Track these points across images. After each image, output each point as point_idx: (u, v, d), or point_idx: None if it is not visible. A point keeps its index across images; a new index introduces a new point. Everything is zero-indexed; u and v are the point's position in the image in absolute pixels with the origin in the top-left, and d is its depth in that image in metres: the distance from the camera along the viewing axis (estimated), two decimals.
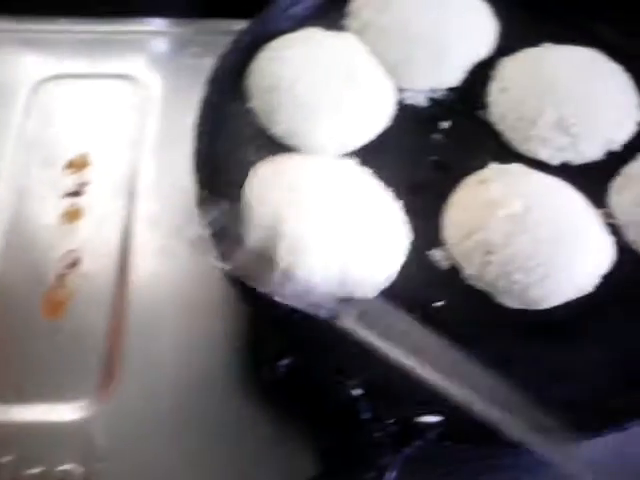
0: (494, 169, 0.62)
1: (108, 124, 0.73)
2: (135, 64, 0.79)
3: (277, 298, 0.52)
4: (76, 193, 0.68)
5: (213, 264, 0.52)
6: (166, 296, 0.63)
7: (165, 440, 0.56)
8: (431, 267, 0.59)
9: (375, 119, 0.64)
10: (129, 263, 0.64)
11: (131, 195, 0.68)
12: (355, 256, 0.55)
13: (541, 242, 0.56)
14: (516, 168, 0.63)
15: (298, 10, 0.70)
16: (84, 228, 0.66)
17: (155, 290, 0.63)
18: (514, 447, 0.53)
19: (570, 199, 0.61)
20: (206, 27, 0.84)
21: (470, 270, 0.58)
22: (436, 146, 0.65)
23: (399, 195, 0.61)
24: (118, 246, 0.65)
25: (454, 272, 0.59)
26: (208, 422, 0.57)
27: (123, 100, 0.75)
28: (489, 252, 0.57)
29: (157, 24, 0.85)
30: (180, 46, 0.82)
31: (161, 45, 0.83)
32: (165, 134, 0.71)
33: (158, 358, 0.60)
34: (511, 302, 0.57)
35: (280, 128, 0.62)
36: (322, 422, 0.52)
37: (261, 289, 0.52)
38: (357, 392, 0.50)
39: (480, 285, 0.58)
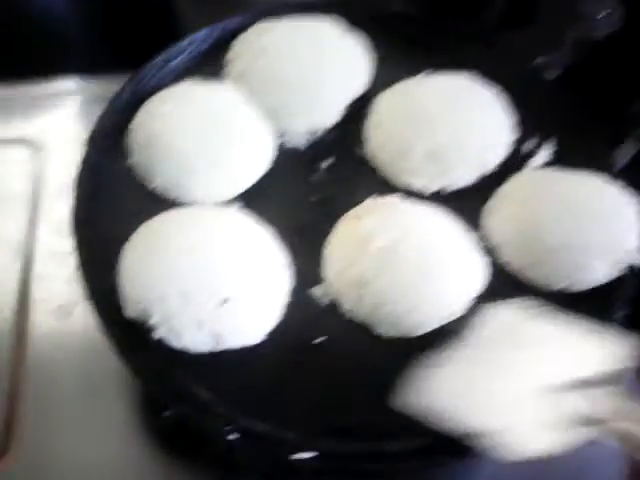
0: (369, 204, 0.65)
1: (3, 188, 0.74)
2: (33, 127, 0.80)
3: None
4: None
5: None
6: (64, 358, 0.64)
7: None
8: (313, 305, 0.61)
9: (254, 165, 0.67)
10: (26, 326, 0.65)
11: (28, 257, 0.69)
12: (235, 305, 0.56)
13: (409, 272, 0.59)
14: (390, 200, 0.65)
15: (176, 64, 0.72)
16: None
17: (53, 352, 0.64)
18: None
19: (441, 225, 0.63)
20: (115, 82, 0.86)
21: (348, 305, 0.60)
22: (318, 186, 0.68)
23: (283, 237, 0.63)
24: (15, 309, 0.66)
25: (334, 308, 0.61)
26: (110, 476, 0.59)
27: (19, 164, 0.76)
28: (362, 286, 0.59)
29: (60, 84, 0.87)
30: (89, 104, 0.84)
31: (66, 104, 0.85)
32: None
33: (56, 419, 0.61)
34: (388, 331, 0.60)
35: (159, 182, 0.64)
36: (208, 465, 0.54)
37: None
38: (233, 436, 0.52)
39: (358, 318, 0.60)
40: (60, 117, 0.82)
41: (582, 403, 0.47)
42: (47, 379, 0.63)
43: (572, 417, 0.47)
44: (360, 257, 0.60)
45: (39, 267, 0.69)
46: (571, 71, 0.86)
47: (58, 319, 0.66)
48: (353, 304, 0.60)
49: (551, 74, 0.80)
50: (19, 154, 0.77)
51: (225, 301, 0.56)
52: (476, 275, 0.62)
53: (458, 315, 0.60)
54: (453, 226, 0.64)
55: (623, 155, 0.85)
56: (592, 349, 0.50)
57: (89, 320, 0.63)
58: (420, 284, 0.59)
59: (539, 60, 0.83)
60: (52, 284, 0.68)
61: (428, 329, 0.60)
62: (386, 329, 0.60)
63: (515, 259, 0.64)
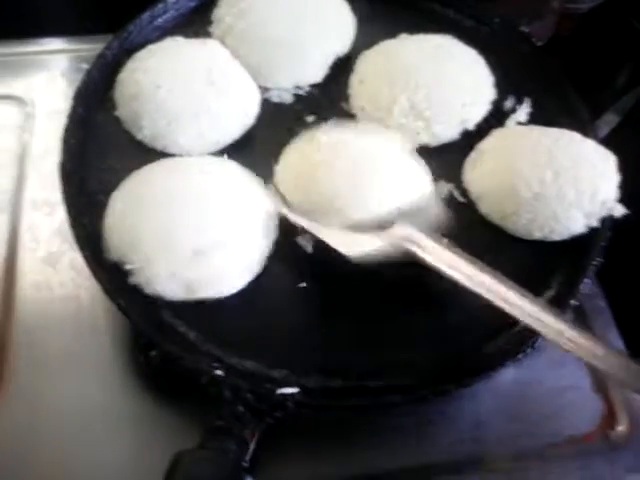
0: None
1: None
2: (21, 84, 0.81)
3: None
4: None
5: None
6: (52, 305, 0.66)
7: (57, 439, 0.60)
8: (298, 251, 0.63)
9: (240, 118, 0.68)
10: (15, 275, 0.67)
11: (16, 209, 0.71)
12: (209, 257, 0.57)
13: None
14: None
15: (163, 21, 0.73)
16: None
17: (42, 299, 0.66)
18: (375, 411, 0.59)
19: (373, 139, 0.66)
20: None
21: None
22: None
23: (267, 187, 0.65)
24: (4, 259, 0.67)
25: (318, 255, 0.63)
26: (98, 416, 0.61)
27: (6, 119, 0.77)
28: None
29: (48, 44, 0.88)
30: (77, 62, 0.85)
31: (54, 64, 0.86)
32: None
33: (46, 362, 0.63)
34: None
35: (146, 133, 0.65)
36: (194, 403, 0.56)
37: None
38: (219, 373, 0.54)
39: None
40: (48, 75, 0.83)
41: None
42: (36, 325, 0.64)
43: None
44: (307, 171, 0.63)
45: (28, 218, 0.70)
46: (555, 42, 0.88)
47: (46, 267, 0.67)
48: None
49: (535, 42, 0.82)
50: (8, 110, 0.78)
51: (200, 252, 0.57)
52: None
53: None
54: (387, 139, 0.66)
55: (605, 125, 0.87)
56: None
57: (78, 268, 0.65)
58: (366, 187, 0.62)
59: (522, 28, 0.85)
60: (40, 234, 0.69)
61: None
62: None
63: (494, 210, 0.66)
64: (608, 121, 0.89)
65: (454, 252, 0.57)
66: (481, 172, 0.67)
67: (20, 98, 0.79)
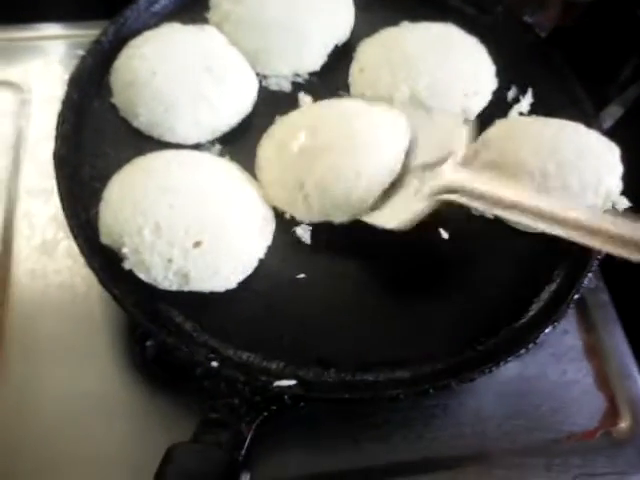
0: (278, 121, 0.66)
1: None
2: (18, 70, 0.80)
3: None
4: None
5: None
6: (48, 293, 0.65)
7: (51, 427, 0.59)
8: (296, 243, 0.62)
9: (237, 106, 0.67)
10: (11, 262, 0.66)
11: (12, 197, 0.69)
12: (206, 250, 0.56)
13: (335, 155, 0.60)
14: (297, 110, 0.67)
15: (160, 7, 0.72)
16: None
17: (37, 287, 0.65)
18: (377, 404, 0.58)
19: (346, 107, 0.65)
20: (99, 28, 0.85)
21: (300, 210, 0.61)
22: None
23: None
24: (0, 246, 0.66)
25: (316, 246, 0.62)
26: (92, 405, 0.60)
27: (2, 106, 0.76)
28: (301, 187, 0.60)
29: (45, 29, 0.86)
30: (74, 48, 0.83)
31: (50, 49, 0.84)
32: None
33: (41, 350, 0.62)
34: (343, 216, 0.61)
35: (142, 120, 0.64)
36: (191, 393, 0.55)
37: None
38: (214, 364, 0.53)
39: (315, 218, 0.62)
40: (45, 61, 0.81)
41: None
42: (32, 312, 0.63)
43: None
44: (286, 163, 0.61)
45: (24, 205, 0.69)
46: (558, 33, 0.87)
47: (42, 255, 0.66)
48: (304, 207, 0.61)
49: (538, 32, 0.81)
50: (3, 96, 0.76)
51: (198, 244, 0.56)
52: (397, 133, 0.63)
53: (397, 172, 0.61)
54: (355, 104, 0.65)
55: (609, 117, 0.86)
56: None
57: (74, 256, 0.64)
58: (350, 160, 0.60)
59: (526, 18, 0.83)
60: (36, 221, 0.68)
61: (374, 196, 0.60)
62: (341, 215, 0.61)
63: None
64: (612, 113, 0.88)
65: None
66: (483, 163, 0.66)
67: (16, 84, 0.78)
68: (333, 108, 0.65)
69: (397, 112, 0.64)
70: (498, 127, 0.68)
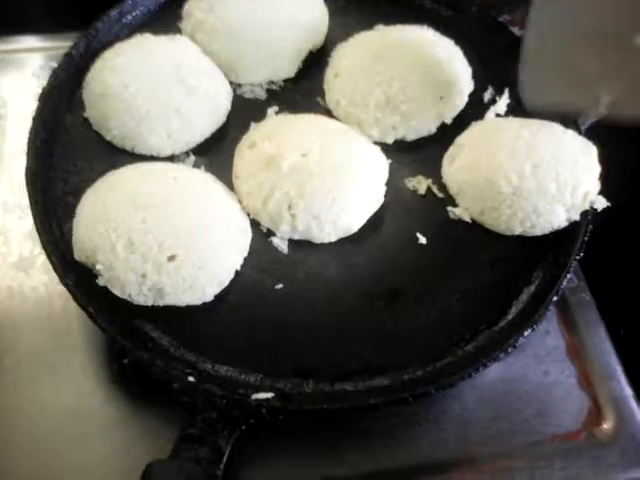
0: (257, 130, 0.66)
1: None
2: None
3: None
4: None
5: None
6: (25, 309, 0.64)
7: (29, 445, 0.59)
8: (273, 253, 0.62)
9: (210, 116, 0.66)
10: None
11: None
12: (180, 264, 0.56)
13: (326, 177, 0.61)
14: (275, 120, 0.67)
15: (131, 18, 0.72)
16: None
17: (14, 304, 0.64)
18: (358, 413, 0.57)
19: (334, 129, 0.66)
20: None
21: (284, 227, 0.61)
22: None
23: None
24: None
25: (293, 255, 0.62)
26: (70, 422, 0.60)
27: None
28: (292, 206, 0.60)
29: (21, 42, 0.86)
30: (50, 60, 0.83)
31: (27, 62, 0.84)
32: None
33: (19, 367, 0.62)
34: (329, 238, 0.62)
35: (115, 133, 0.64)
36: (170, 408, 0.55)
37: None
38: (191, 379, 0.53)
39: (296, 236, 0.62)
40: (20, 74, 0.81)
41: None
42: (9, 330, 0.63)
43: None
44: (276, 181, 0.61)
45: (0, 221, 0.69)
46: None
47: (19, 272, 0.66)
48: (289, 225, 0.61)
49: (515, 31, 0.80)
50: None
51: (172, 258, 0.56)
52: (380, 162, 0.65)
53: (380, 202, 0.63)
54: (341, 128, 0.66)
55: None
56: None
57: (51, 272, 0.63)
58: (340, 186, 0.61)
59: (504, 17, 0.83)
60: (13, 238, 0.68)
61: (361, 223, 0.62)
62: (326, 236, 0.61)
63: (473, 206, 0.64)
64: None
65: None
66: (460, 166, 0.66)
67: None
68: (323, 128, 0.65)
69: (377, 148, 0.66)
70: (474, 130, 0.68)
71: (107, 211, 0.57)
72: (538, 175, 0.62)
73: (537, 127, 0.65)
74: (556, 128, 0.66)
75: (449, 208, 0.65)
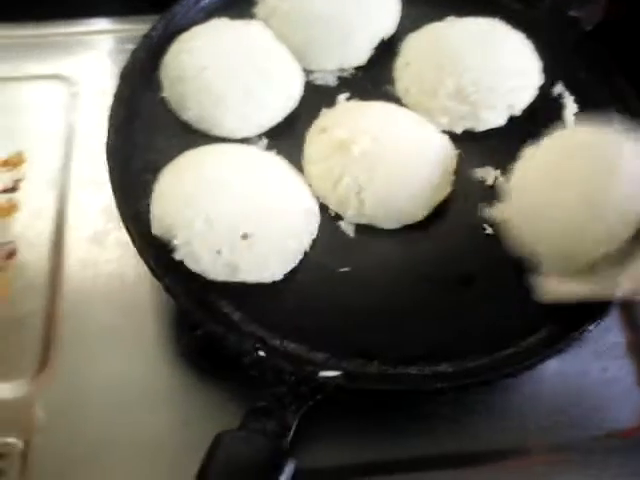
0: (328, 116, 0.67)
1: (41, 122, 0.77)
2: (68, 64, 0.82)
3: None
4: (12, 189, 0.72)
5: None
6: (98, 282, 0.66)
7: (101, 413, 0.61)
8: (340, 236, 0.63)
9: (283, 101, 0.68)
10: (62, 252, 0.68)
11: (64, 188, 0.72)
12: (254, 242, 0.58)
13: (395, 165, 0.62)
14: (346, 106, 0.68)
15: (208, 2, 0.73)
16: (20, 221, 0.70)
17: (88, 276, 0.67)
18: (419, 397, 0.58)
19: (402, 118, 0.67)
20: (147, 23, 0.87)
21: (351, 211, 0.62)
22: None
23: None
24: (52, 236, 0.69)
25: (359, 239, 0.63)
26: (141, 393, 0.61)
27: (54, 99, 0.78)
28: (361, 190, 0.61)
29: (94, 24, 0.89)
30: (123, 43, 0.85)
31: (100, 44, 0.86)
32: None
33: (91, 338, 0.64)
34: (395, 224, 0.63)
35: (191, 114, 0.66)
36: (238, 382, 0.57)
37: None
38: (261, 354, 0.54)
39: (363, 220, 0.63)
40: (94, 55, 0.84)
41: None
42: (83, 302, 0.65)
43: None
44: (346, 165, 0.62)
45: (75, 196, 0.71)
46: (604, 27, 0.86)
47: (92, 245, 0.68)
48: (356, 210, 0.62)
49: (583, 26, 0.80)
50: (55, 89, 0.79)
51: (246, 236, 0.58)
52: (448, 151, 0.66)
53: (448, 191, 0.64)
54: (411, 116, 0.67)
55: None
56: None
57: (123, 246, 0.66)
58: (409, 173, 0.62)
59: (572, 12, 0.82)
60: (87, 212, 0.70)
61: (427, 210, 0.63)
62: (390, 223, 0.63)
63: None
64: None
65: None
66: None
67: (67, 77, 0.80)
68: (393, 115, 0.66)
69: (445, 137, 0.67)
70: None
71: (185, 188, 0.59)
72: None
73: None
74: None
75: None
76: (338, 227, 0.63)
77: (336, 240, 0.62)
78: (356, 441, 0.59)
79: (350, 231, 0.63)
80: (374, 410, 0.60)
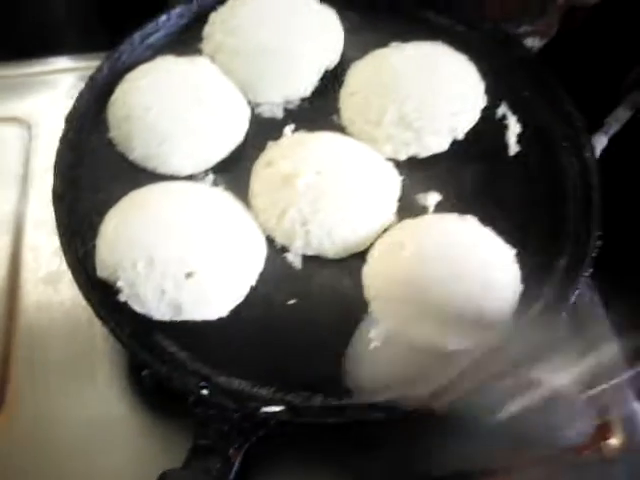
0: (273, 149, 0.68)
1: None
2: (26, 105, 0.84)
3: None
4: None
5: None
6: (52, 324, 0.68)
7: (55, 452, 0.62)
8: (286, 269, 0.64)
9: (229, 136, 0.69)
10: (17, 294, 0.69)
11: (19, 230, 0.73)
12: (198, 280, 0.59)
13: (340, 196, 0.63)
14: (291, 140, 0.68)
15: (154, 40, 0.74)
16: None
17: (42, 317, 0.68)
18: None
19: (347, 148, 0.67)
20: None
21: (298, 243, 0.63)
22: None
23: None
24: (6, 279, 0.70)
25: (306, 272, 0.63)
26: (94, 432, 0.63)
27: (11, 142, 0.80)
28: (306, 222, 0.63)
29: (53, 63, 0.90)
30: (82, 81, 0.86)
31: (58, 83, 0.88)
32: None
33: (46, 379, 0.65)
34: (341, 253, 0.64)
35: (137, 154, 0.67)
36: (186, 420, 0.57)
37: None
38: (204, 392, 0.55)
39: (309, 251, 0.64)
40: (52, 95, 0.85)
41: None
42: (37, 344, 0.66)
43: None
44: (291, 198, 0.63)
45: (29, 238, 0.73)
46: (561, 37, 0.87)
47: (47, 287, 0.69)
48: (302, 241, 0.63)
49: (536, 42, 0.81)
50: (11, 132, 0.81)
51: (189, 275, 0.58)
52: (392, 179, 0.67)
53: (392, 219, 0.65)
54: (355, 146, 0.68)
55: (615, 122, 0.85)
56: None
57: (76, 287, 0.67)
58: (352, 203, 0.63)
59: (523, 28, 0.84)
60: (41, 254, 0.72)
61: (372, 239, 0.64)
62: (337, 252, 0.63)
63: None
64: (619, 117, 0.87)
65: None
66: None
67: (23, 119, 0.82)
68: (338, 146, 0.68)
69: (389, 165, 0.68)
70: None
71: (129, 229, 0.60)
72: None
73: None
74: None
75: None
76: (285, 259, 0.64)
77: (283, 272, 0.63)
78: (301, 473, 0.60)
79: (297, 263, 0.64)
80: (320, 442, 0.61)
